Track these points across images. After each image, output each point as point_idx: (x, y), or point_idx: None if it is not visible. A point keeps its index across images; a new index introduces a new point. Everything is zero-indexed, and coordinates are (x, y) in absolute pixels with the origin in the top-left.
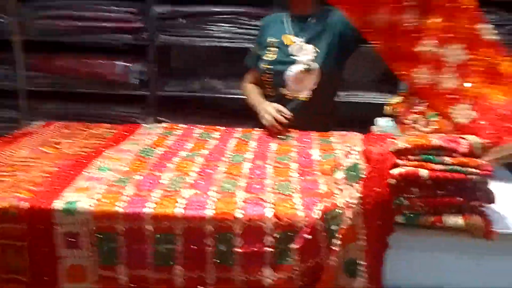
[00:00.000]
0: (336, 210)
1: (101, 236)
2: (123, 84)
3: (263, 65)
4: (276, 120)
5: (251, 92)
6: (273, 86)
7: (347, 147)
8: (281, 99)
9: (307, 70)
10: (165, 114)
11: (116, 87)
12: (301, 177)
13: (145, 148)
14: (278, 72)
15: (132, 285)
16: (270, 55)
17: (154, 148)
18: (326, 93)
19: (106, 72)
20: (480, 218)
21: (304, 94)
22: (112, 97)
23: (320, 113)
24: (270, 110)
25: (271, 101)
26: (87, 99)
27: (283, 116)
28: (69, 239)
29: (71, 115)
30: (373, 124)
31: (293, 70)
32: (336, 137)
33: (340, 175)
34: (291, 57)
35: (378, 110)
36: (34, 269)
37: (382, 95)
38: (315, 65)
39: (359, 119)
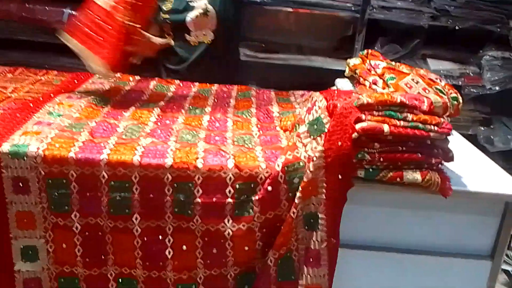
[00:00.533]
0: (298, 162)
1: (52, 182)
2: None
3: (162, 15)
4: None
5: None
6: (176, 35)
7: (308, 103)
8: (187, 47)
9: (205, 14)
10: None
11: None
12: (262, 131)
13: (98, 96)
14: (177, 20)
15: (87, 233)
16: (168, 5)
17: (108, 96)
18: (228, 36)
19: (52, 19)
20: (438, 175)
21: (207, 38)
22: (57, 46)
23: (225, 57)
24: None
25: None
26: (31, 47)
27: None
28: (18, 184)
29: (14, 64)
30: (332, 87)
31: (191, 16)
32: (295, 97)
33: (302, 129)
34: (188, 3)
35: (335, 76)
36: None
37: (339, 61)
38: (211, 8)
39: (316, 85)
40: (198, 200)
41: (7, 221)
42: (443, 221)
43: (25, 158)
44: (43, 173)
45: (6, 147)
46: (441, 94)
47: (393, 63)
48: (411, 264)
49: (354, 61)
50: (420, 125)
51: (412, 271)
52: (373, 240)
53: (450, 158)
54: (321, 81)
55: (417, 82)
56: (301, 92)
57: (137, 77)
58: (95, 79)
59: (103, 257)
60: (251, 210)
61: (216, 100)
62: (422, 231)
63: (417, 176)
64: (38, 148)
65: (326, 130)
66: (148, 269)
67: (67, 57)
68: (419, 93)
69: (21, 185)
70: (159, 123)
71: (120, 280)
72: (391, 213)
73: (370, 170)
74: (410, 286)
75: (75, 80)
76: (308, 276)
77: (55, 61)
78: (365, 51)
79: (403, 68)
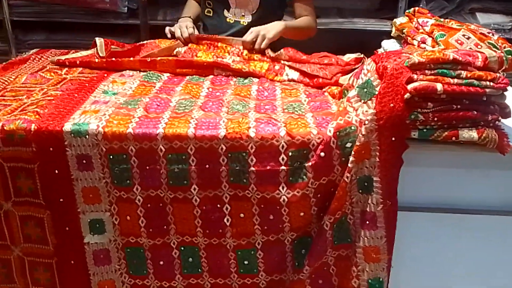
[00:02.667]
0: (350, 127)
1: (113, 158)
2: (112, 13)
3: None
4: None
5: (186, 7)
6: (214, 9)
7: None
8: (222, 23)
9: None
10: None
11: (105, 17)
12: (311, 98)
13: (149, 73)
14: None
15: (149, 205)
16: None
17: (159, 73)
18: (267, 19)
19: (94, 0)
20: (495, 132)
21: (245, 19)
22: (101, 27)
23: None
24: (181, 25)
25: (211, 24)
26: (74, 29)
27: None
28: (81, 161)
29: (59, 47)
30: (377, 49)
31: None
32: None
33: (352, 93)
34: None
35: (379, 37)
36: (47, 192)
37: (382, 22)
38: None
39: (360, 47)
40: (253, 168)
41: (75, 197)
42: (502, 179)
43: (87, 136)
44: (104, 149)
45: (68, 126)
46: (494, 49)
47: (442, 19)
48: (470, 224)
49: (400, 20)
50: (475, 82)
51: (472, 231)
52: (432, 201)
53: (507, 114)
54: (365, 43)
55: (468, 38)
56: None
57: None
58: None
59: (165, 227)
60: (304, 177)
61: None
62: (481, 190)
63: (473, 134)
64: (98, 126)
65: (376, 93)
66: (209, 237)
67: (110, 36)
68: (471, 49)
69: (84, 162)
70: (210, 96)
71: (182, 248)
72: (448, 173)
73: (424, 130)
74: (470, 246)
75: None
76: (365, 238)
77: None
78: (412, 9)
79: (453, 24)
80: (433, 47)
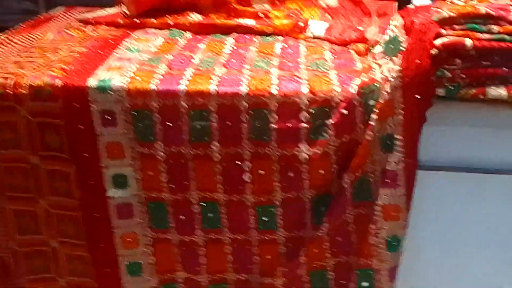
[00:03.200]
0: (374, 84)
1: (136, 114)
2: None
3: None
4: None
5: None
6: None
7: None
8: None
9: None
10: None
11: None
12: (336, 56)
13: (173, 31)
14: None
15: (171, 161)
16: None
17: (183, 30)
18: None
19: None
20: None
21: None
22: None
23: None
24: None
25: None
26: None
27: None
28: (105, 117)
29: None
30: (409, 3)
31: None
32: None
33: (378, 49)
34: None
35: None
36: (73, 147)
37: None
38: None
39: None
40: (274, 126)
41: (99, 152)
42: None
43: (111, 92)
44: (128, 105)
45: (92, 82)
46: None
47: None
48: (495, 185)
49: None
50: (507, 37)
51: (497, 192)
52: (455, 161)
53: None
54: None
55: None
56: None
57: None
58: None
59: (186, 183)
60: (326, 134)
61: None
62: (507, 150)
63: (502, 91)
64: (122, 82)
65: (403, 49)
66: (229, 193)
67: None
68: (507, 3)
69: (108, 117)
70: (233, 53)
71: (203, 204)
72: (473, 132)
73: (451, 88)
74: (494, 207)
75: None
76: (385, 196)
77: None
78: None
79: None
80: (466, 2)
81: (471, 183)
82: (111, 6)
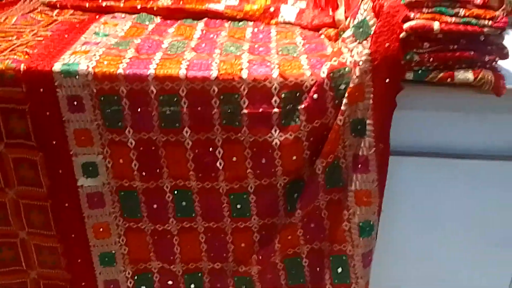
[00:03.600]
0: (344, 68)
1: (103, 99)
2: None
3: None
4: None
5: None
6: None
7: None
8: None
9: None
10: None
11: None
12: (306, 40)
13: (142, 15)
14: None
15: (141, 148)
16: None
17: (152, 14)
18: None
19: None
20: (491, 73)
21: None
22: None
23: None
24: None
25: None
26: None
27: None
28: (72, 103)
29: None
30: None
31: None
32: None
33: (347, 33)
34: None
35: None
36: (39, 133)
37: None
38: None
39: None
40: (245, 111)
41: (67, 139)
42: (498, 123)
43: (77, 77)
44: (95, 90)
45: (58, 66)
46: None
47: None
48: (465, 169)
49: None
50: (473, 21)
51: (467, 176)
52: (425, 145)
53: (505, 55)
54: None
55: None
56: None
57: None
58: None
59: (158, 171)
60: (297, 119)
61: None
62: (476, 134)
63: (469, 75)
64: (88, 66)
65: (372, 33)
66: (201, 180)
67: None
68: None
69: (75, 103)
70: (203, 38)
71: (175, 191)
72: (443, 116)
73: (419, 71)
74: (465, 192)
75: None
76: (357, 182)
77: None
78: None
79: None
80: None
81: (440, 167)
82: None
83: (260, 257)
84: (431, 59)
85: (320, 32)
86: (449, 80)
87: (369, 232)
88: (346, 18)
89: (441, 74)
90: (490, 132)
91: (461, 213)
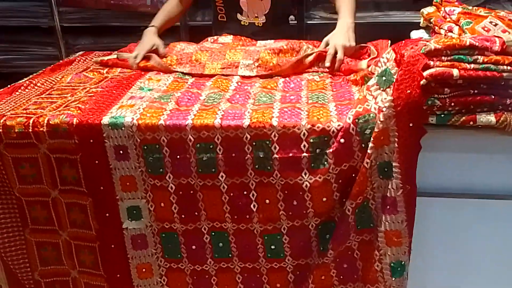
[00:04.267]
0: (369, 114)
1: (147, 148)
2: (154, 15)
3: None
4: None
5: (161, 10)
6: (226, 14)
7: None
8: (237, 27)
9: None
10: None
11: (147, 19)
12: (336, 89)
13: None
14: None
15: (181, 192)
16: None
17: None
18: (280, 16)
19: (136, 4)
20: None
21: (259, 20)
22: (144, 29)
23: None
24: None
25: (227, 29)
26: (119, 32)
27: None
28: (119, 152)
29: (105, 49)
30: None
31: None
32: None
33: (372, 81)
34: None
35: (413, 29)
36: (89, 180)
37: (417, 14)
38: None
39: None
40: (276, 156)
41: (113, 185)
42: None
43: (123, 128)
44: (138, 140)
45: (106, 119)
46: None
47: (470, 7)
48: (492, 209)
49: (428, 10)
50: (492, 66)
51: (494, 216)
52: (452, 186)
53: None
54: (399, 35)
55: (495, 25)
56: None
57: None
58: None
59: (196, 213)
60: (326, 163)
61: None
62: (502, 175)
63: (491, 118)
64: (132, 118)
65: (394, 80)
66: (237, 222)
67: None
68: (494, 35)
69: (121, 152)
70: (238, 89)
71: (213, 233)
72: (468, 158)
73: (442, 115)
74: (492, 232)
75: None
76: (386, 222)
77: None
78: None
79: (481, 12)
80: (460, 35)
81: (468, 208)
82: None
83: None
84: (453, 104)
85: (347, 78)
86: (471, 123)
87: (400, 272)
88: (368, 66)
89: (463, 118)
90: None
91: (490, 252)
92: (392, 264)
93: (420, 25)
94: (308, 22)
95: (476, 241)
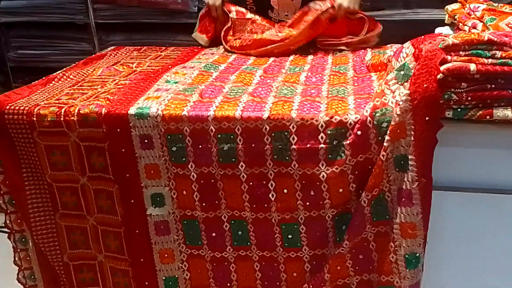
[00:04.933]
0: (386, 107)
1: (170, 137)
2: (184, 12)
3: None
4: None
5: None
6: (257, 11)
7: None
8: None
9: None
10: None
11: (177, 16)
12: (357, 84)
13: (208, 64)
14: None
15: (202, 181)
16: None
17: (217, 64)
18: None
19: (167, 1)
20: None
21: (288, 19)
22: (174, 26)
23: None
24: None
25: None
26: (150, 29)
27: None
28: (144, 141)
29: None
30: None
31: None
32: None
33: (390, 76)
34: None
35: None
36: (116, 168)
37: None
38: None
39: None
40: (294, 146)
41: (138, 172)
42: None
43: (148, 118)
44: (163, 130)
45: (132, 109)
46: None
47: (495, 4)
48: (508, 205)
49: (453, 7)
50: (510, 61)
51: (509, 212)
52: (468, 181)
53: None
54: (426, 32)
55: None
56: (399, 45)
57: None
58: (207, 50)
59: (217, 202)
60: (343, 154)
61: (314, 58)
62: None
63: (508, 112)
64: (157, 109)
65: (412, 75)
66: (255, 211)
67: (183, 34)
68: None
69: (146, 141)
70: (260, 83)
71: (232, 221)
72: (484, 152)
73: (458, 109)
74: (507, 227)
75: (189, 53)
76: (402, 214)
77: (173, 39)
78: None
79: (506, 8)
80: (483, 31)
81: (484, 202)
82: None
83: (311, 287)
84: (469, 98)
85: (367, 62)
86: (488, 117)
87: (415, 264)
88: (389, 60)
89: (480, 112)
90: None
91: (504, 247)
92: (406, 256)
93: (445, 21)
94: None
95: (491, 236)
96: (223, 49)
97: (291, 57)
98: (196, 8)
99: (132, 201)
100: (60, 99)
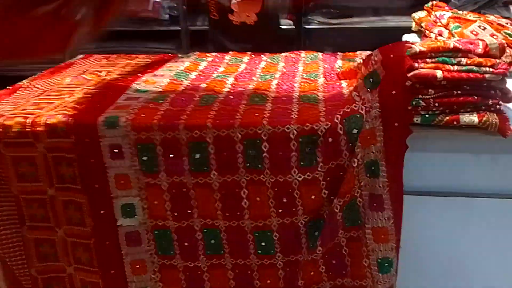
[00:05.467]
0: (356, 114)
1: (141, 147)
2: (155, 20)
3: None
4: None
5: None
6: (218, 12)
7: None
8: (228, 25)
9: None
10: (197, 49)
11: (148, 24)
12: (327, 91)
13: (179, 72)
14: None
15: (174, 190)
16: None
17: (187, 72)
18: (271, 17)
19: (138, 9)
20: (496, 116)
21: (250, 19)
22: (145, 33)
23: (268, 37)
24: None
25: (217, 27)
26: (121, 37)
27: None
28: (113, 151)
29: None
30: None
31: None
32: (362, 56)
33: (360, 83)
34: None
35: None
36: (85, 178)
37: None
38: None
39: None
40: (266, 154)
41: (108, 183)
42: (507, 163)
43: (118, 127)
44: (133, 139)
45: (101, 119)
46: (510, 38)
47: (460, 12)
48: (477, 208)
49: (419, 14)
50: (475, 68)
51: (479, 215)
52: (438, 185)
53: (509, 99)
54: (394, 39)
55: (484, 29)
56: (369, 52)
57: (214, 53)
58: (177, 58)
59: (189, 211)
60: (314, 161)
61: (285, 65)
62: (487, 174)
63: (473, 118)
64: (127, 118)
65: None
66: (228, 219)
67: (153, 42)
68: (478, 38)
69: (116, 151)
70: (231, 91)
71: (205, 230)
72: (455, 158)
73: (426, 115)
74: (478, 230)
75: (160, 61)
76: (373, 219)
77: (144, 47)
78: (430, 2)
79: (470, 16)
80: (449, 38)
81: (455, 207)
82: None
83: None
84: (437, 104)
85: (340, 82)
86: (455, 123)
87: (388, 268)
88: (358, 68)
89: (447, 118)
90: (502, 172)
91: (476, 250)
92: (379, 260)
93: (412, 29)
94: (306, 27)
95: (462, 239)
96: (194, 57)
97: (262, 65)
98: (168, 16)
99: (102, 212)
100: (26, 109)
